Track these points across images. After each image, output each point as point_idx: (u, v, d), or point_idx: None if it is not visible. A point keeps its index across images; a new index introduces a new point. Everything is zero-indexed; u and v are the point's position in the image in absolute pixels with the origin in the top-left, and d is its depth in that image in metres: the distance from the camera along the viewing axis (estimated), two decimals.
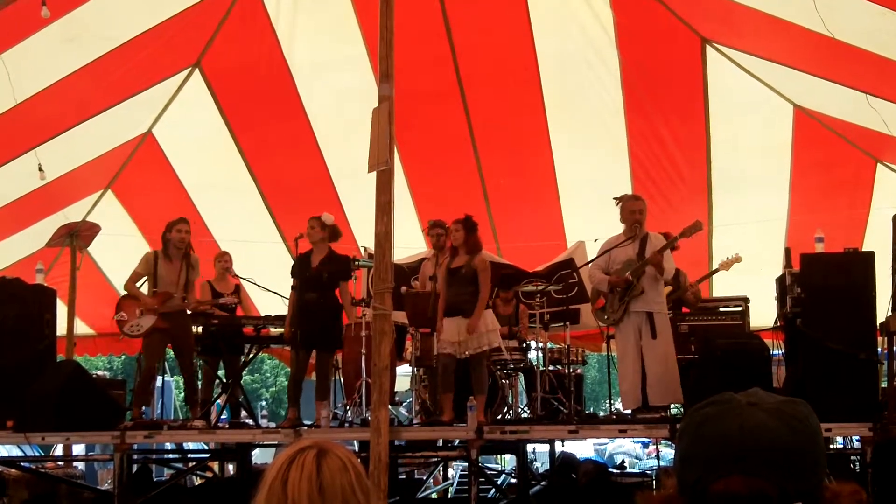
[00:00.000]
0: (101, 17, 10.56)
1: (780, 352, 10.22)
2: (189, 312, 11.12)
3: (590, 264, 10.79)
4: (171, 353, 11.36)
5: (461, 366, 10.06)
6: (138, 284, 10.96)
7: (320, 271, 10.53)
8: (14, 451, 13.44)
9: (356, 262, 11.19)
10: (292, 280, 10.85)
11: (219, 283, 12.15)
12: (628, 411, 10.28)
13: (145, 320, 10.70)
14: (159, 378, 13.18)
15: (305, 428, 9.88)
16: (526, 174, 13.86)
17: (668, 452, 15.24)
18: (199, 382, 11.63)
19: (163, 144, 13.52)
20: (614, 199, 10.49)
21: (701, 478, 1.72)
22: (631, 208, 10.21)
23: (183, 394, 12.73)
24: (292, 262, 10.98)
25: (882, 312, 8.94)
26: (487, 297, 10.26)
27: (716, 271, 12.01)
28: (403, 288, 11.55)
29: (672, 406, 10.19)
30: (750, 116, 12.56)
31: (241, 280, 12.42)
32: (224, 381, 11.99)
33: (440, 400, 10.12)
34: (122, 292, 11.19)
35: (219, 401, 11.78)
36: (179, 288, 10.84)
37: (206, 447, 13.61)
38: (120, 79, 11.68)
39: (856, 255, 9.29)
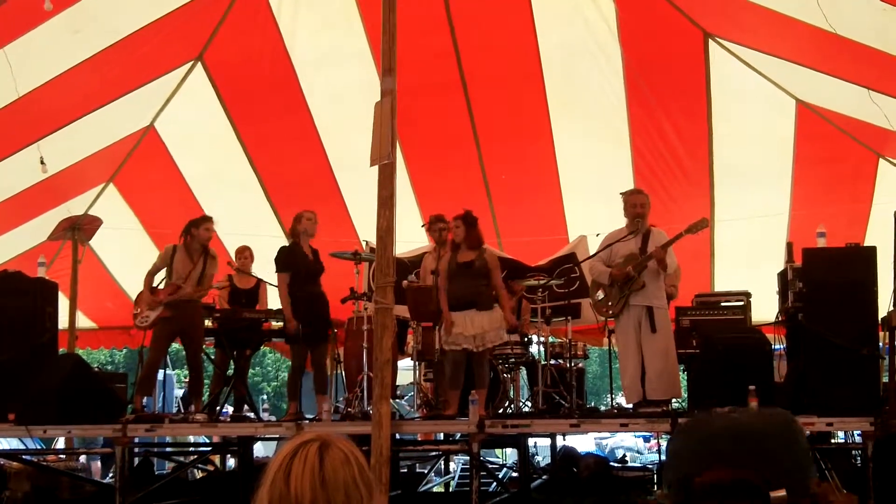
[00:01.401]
0: (103, 10, 10.55)
1: (782, 347, 10.23)
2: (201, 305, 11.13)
3: (591, 258, 10.78)
4: (176, 345, 11.37)
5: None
6: (160, 278, 10.97)
7: (318, 265, 10.51)
8: (15, 444, 13.44)
9: (358, 256, 11.19)
10: (285, 273, 10.44)
11: (238, 278, 12.12)
12: (630, 405, 10.28)
13: (153, 311, 10.71)
14: (160, 371, 13.21)
15: (307, 421, 9.88)
16: (528, 168, 13.86)
17: None
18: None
19: (165, 138, 13.52)
20: (621, 194, 10.47)
21: (686, 474, 1.74)
22: (633, 202, 10.18)
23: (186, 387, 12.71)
24: (284, 256, 10.57)
25: (884, 307, 8.94)
26: (507, 292, 10.34)
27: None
28: (404, 282, 11.54)
29: (674, 400, 10.20)
30: (752, 111, 12.56)
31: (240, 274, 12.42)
32: (225, 374, 11.99)
33: (447, 396, 10.08)
34: (124, 286, 11.20)
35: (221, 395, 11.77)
36: (192, 281, 10.81)
37: (208, 440, 13.63)
38: (122, 72, 11.69)
39: (858, 250, 9.28)
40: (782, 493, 1.68)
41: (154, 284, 10.92)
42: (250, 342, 11.68)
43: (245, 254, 12.21)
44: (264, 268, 12.05)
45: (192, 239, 10.88)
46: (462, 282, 10.06)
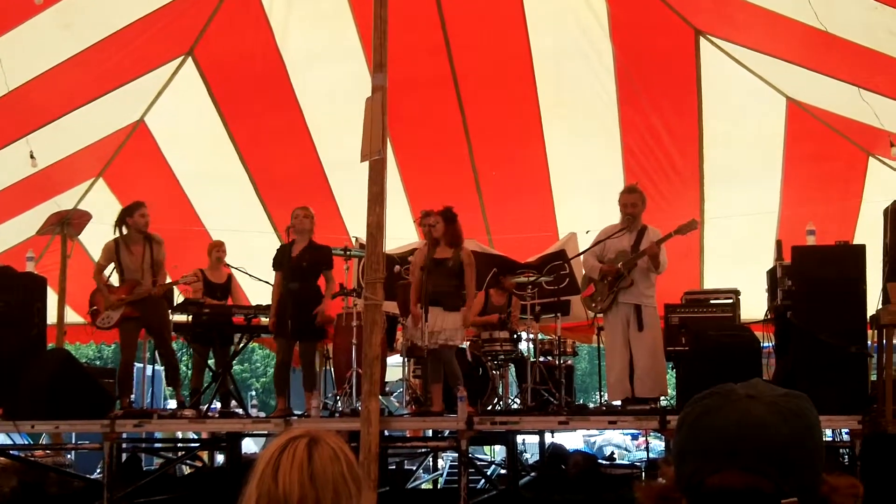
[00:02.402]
0: (93, 4, 10.54)
1: (771, 344, 10.25)
2: (162, 295, 11.07)
3: (585, 252, 10.78)
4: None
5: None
6: (107, 273, 10.91)
7: (300, 261, 10.48)
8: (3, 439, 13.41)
9: (348, 252, 11.17)
10: (275, 272, 10.70)
11: (212, 273, 12.13)
12: (617, 402, 10.30)
13: (115, 312, 10.67)
14: (149, 367, 13.18)
15: (296, 418, 9.88)
16: (518, 165, 13.87)
17: (657, 444, 15.27)
18: (188, 368, 11.60)
19: (155, 133, 13.49)
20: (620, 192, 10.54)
21: (696, 471, 1.71)
22: (623, 201, 10.22)
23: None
24: (275, 255, 10.80)
25: (872, 305, 8.95)
26: (475, 292, 10.26)
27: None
28: (397, 267, 11.53)
29: (662, 398, 10.23)
30: (743, 109, 12.57)
31: (233, 269, 12.42)
32: (214, 370, 11.98)
33: (430, 390, 10.13)
34: (113, 281, 11.13)
35: (209, 390, 11.75)
36: (146, 272, 10.75)
37: (197, 436, 13.61)
38: (112, 67, 11.66)
39: (847, 247, 9.30)
40: (794, 500, 1.65)
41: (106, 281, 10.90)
42: (229, 338, 11.69)
43: (219, 248, 12.26)
44: (257, 263, 12.06)
45: (128, 228, 10.81)
46: (433, 279, 10.09)
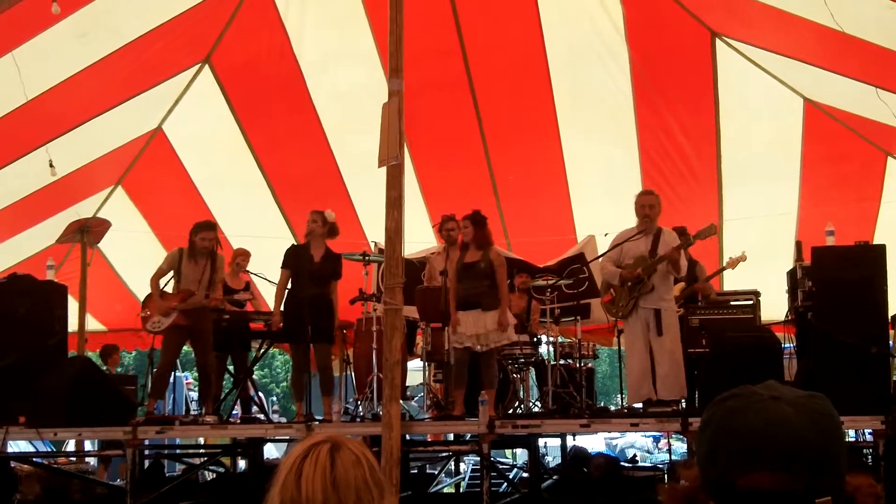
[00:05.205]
0: (110, 13, 10.58)
1: (792, 345, 10.21)
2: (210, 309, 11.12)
3: (602, 257, 10.78)
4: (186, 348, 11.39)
5: (474, 360, 10.06)
6: (165, 280, 10.97)
7: (324, 267, 10.49)
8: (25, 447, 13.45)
9: (367, 257, 11.19)
10: (283, 270, 10.72)
11: (231, 280, 12.16)
12: (639, 405, 10.28)
13: (167, 318, 10.72)
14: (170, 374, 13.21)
15: (317, 423, 9.89)
16: (535, 168, 13.86)
17: (679, 447, 15.23)
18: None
19: (173, 140, 13.54)
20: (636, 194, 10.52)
21: (726, 473, 1.71)
22: (641, 203, 10.19)
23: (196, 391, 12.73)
24: (286, 254, 10.80)
25: (893, 305, 8.92)
26: (507, 292, 10.30)
27: (722, 269, 12.02)
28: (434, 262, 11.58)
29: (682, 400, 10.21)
30: (760, 110, 12.55)
31: (252, 276, 12.46)
32: (235, 376, 12.01)
33: (452, 395, 10.13)
34: (132, 288, 11.17)
35: (229, 397, 11.79)
36: (202, 286, 10.81)
37: (219, 442, 13.65)
38: (130, 75, 11.71)
39: (867, 248, 9.27)
40: (828, 499, 1.66)
41: (162, 287, 10.94)
42: (248, 343, 11.71)
43: (241, 256, 12.32)
44: (275, 269, 12.08)
45: (193, 245, 10.89)
46: (467, 282, 10.12)
